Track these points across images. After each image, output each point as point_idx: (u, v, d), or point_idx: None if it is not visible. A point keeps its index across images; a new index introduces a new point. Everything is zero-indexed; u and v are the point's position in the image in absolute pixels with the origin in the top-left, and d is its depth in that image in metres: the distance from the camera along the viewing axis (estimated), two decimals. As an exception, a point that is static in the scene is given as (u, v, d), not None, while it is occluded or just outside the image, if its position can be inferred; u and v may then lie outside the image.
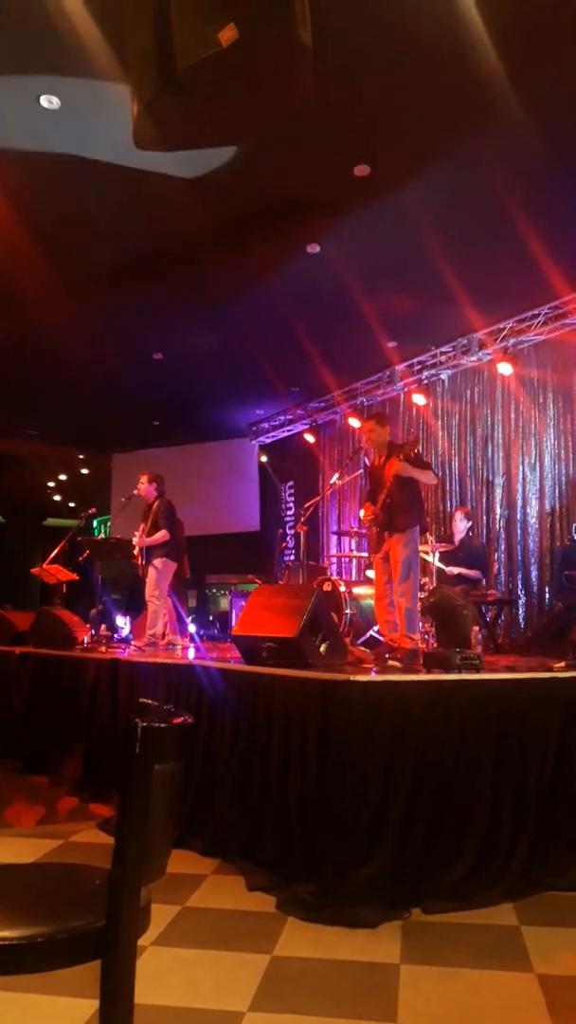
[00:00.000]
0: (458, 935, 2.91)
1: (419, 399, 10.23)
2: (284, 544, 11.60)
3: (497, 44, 4.58)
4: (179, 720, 1.50)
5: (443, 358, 9.81)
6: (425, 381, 10.26)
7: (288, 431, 12.99)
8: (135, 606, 8.87)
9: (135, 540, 6.89)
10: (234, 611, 10.62)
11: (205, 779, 3.99)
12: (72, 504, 19.17)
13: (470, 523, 7.92)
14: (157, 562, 6.80)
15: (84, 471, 16.68)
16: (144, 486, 7.05)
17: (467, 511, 8.03)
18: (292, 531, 12.09)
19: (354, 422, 10.99)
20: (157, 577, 6.80)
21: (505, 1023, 2.30)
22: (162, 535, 6.79)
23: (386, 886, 3.12)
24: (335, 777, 3.26)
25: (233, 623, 9.97)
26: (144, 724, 1.41)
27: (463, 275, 7.54)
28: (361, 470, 6.14)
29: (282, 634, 4.01)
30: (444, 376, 10.08)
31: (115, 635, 7.90)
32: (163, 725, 1.44)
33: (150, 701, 1.67)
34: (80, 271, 7.59)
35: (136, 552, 6.88)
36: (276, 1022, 2.30)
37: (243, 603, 10.02)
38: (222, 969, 2.63)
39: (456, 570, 7.34)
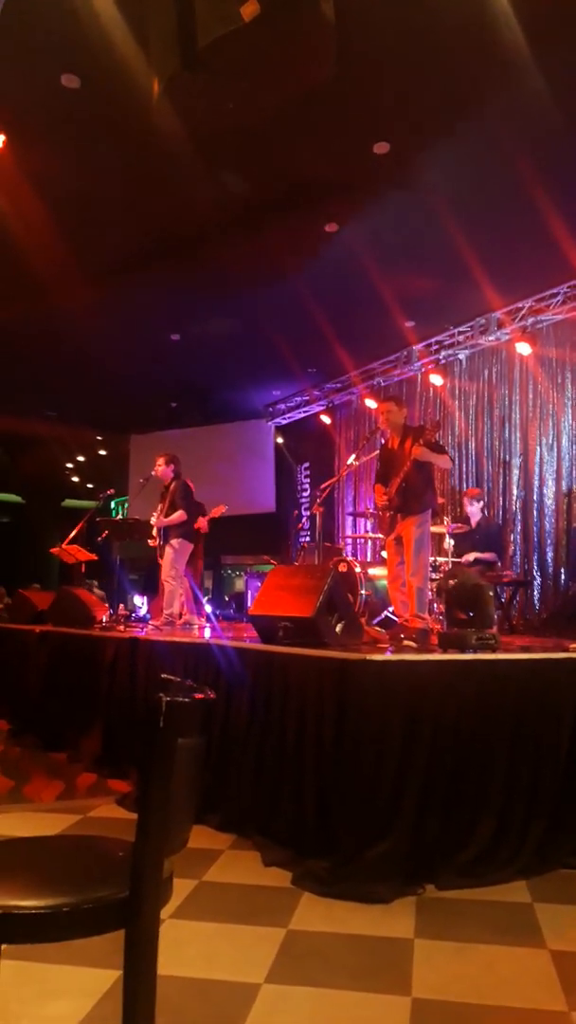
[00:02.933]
0: (472, 911, 2.93)
1: (436, 379, 10.16)
2: (300, 525, 11.61)
3: (517, 18, 4.50)
4: (201, 696, 1.51)
5: (461, 338, 9.74)
6: (443, 361, 10.19)
7: (304, 412, 12.96)
8: (152, 586, 8.92)
9: (153, 521, 6.93)
10: (250, 592, 10.64)
11: (222, 756, 4.03)
12: (90, 485, 19.24)
13: (481, 503, 7.86)
14: (174, 542, 6.83)
15: (102, 452, 16.73)
16: (161, 467, 7.08)
17: (475, 493, 7.94)
18: (308, 512, 12.10)
19: (371, 403, 10.94)
20: (174, 558, 6.84)
21: (518, 998, 2.33)
22: (179, 515, 6.82)
23: (401, 862, 3.15)
24: (351, 755, 3.28)
25: (249, 603, 10.01)
26: (169, 699, 1.43)
27: (481, 254, 7.46)
28: (377, 451, 6.12)
29: (298, 614, 4.02)
30: (462, 356, 10.01)
31: (133, 614, 7.95)
32: (186, 700, 1.46)
33: (172, 677, 1.69)
34: (98, 253, 7.58)
35: (154, 533, 6.91)
36: (292, 994, 2.34)
37: (259, 584, 10.06)
38: (239, 942, 2.67)
39: (472, 556, 7.30)
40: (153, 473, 7.21)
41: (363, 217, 6.92)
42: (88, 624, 6.17)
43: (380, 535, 6.52)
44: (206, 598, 10.80)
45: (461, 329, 9.64)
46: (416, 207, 6.67)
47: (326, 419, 12.32)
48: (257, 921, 2.83)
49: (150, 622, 6.98)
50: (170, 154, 5.83)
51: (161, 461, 7.09)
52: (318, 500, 6.75)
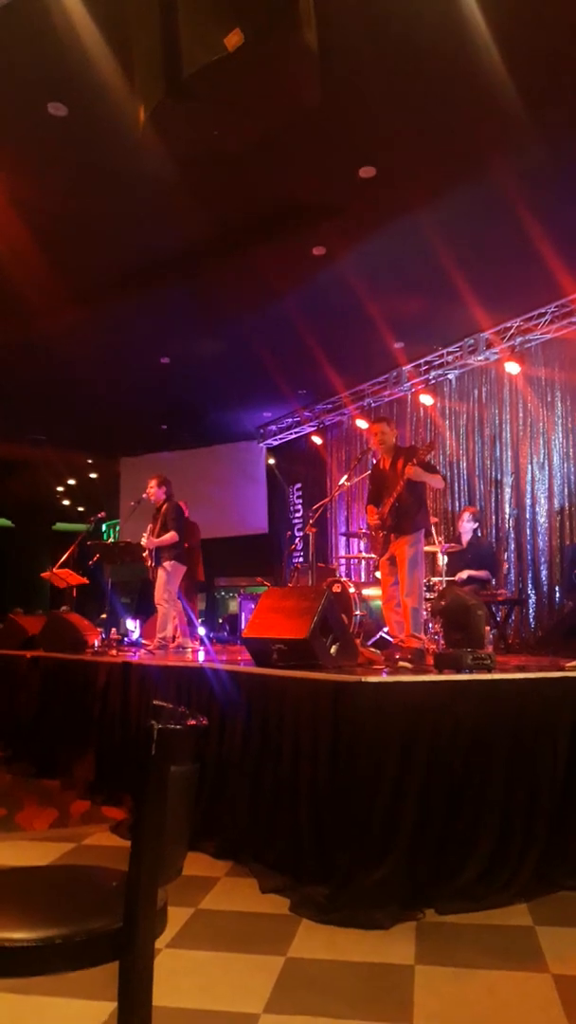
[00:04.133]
0: (472, 935, 2.90)
1: (426, 399, 10.22)
2: (293, 546, 11.60)
3: (499, 46, 4.59)
4: (193, 722, 1.51)
5: (450, 358, 9.81)
6: (432, 381, 10.26)
7: (296, 433, 13.01)
8: (145, 609, 8.88)
9: (143, 541, 6.93)
10: (243, 613, 10.64)
11: (217, 782, 4.00)
12: (81, 508, 19.23)
13: (477, 524, 7.90)
14: (167, 565, 6.82)
15: (93, 475, 16.74)
16: (153, 489, 7.09)
17: (474, 511, 7.99)
18: (301, 533, 12.10)
19: (361, 423, 10.99)
20: (167, 580, 6.82)
21: (521, 1023, 2.30)
22: (171, 536, 6.81)
23: (399, 887, 3.12)
24: (347, 779, 3.26)
25: (243, 625, 9.99)
26: (160, 726, 1.42)
27: (469, 275, 7.55)
28: (369, 472, 6.14)
29: (293, 636, 4.02)
30: (451, 376, 10.08)
31: (125, 638, 7.91)
32: (178, 727, 1.45)
33: (164, 703, 1.68)
34: (85, 277, 7.63)
35: (146, 555, 6.90)
36: None
37: (252, 605, 10.07)
38: (237, 971, 2.64)
39: (465, 575, 7.31)
40: (145, 495, 7.22)
41: (351, 240, 6.99)
42: (80, 649, 6.14)
43: (374, 555, 6.53)
44: (200, 620, 10.77)
45: (450, 349, 9.72)
46: (403, 230, 6.75)
47: (317, 440, 12.37)
48: (255, 949, 2.80)
49: (143, 646, 6.95)
50: (156, 179, 5.89)
51: (153, 483, 7.11)
52: (311, 521, 6.77)
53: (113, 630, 7.65)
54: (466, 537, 7.78)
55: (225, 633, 12.08)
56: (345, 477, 6.85)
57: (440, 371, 10.06)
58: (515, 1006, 2.39)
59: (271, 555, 13.16)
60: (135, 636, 8.26)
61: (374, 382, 10.97)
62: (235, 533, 13.32)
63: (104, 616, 8.00)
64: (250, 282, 7.77)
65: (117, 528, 15.29)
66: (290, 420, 12.86)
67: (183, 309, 8.43)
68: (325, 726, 3.42)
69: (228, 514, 13.35)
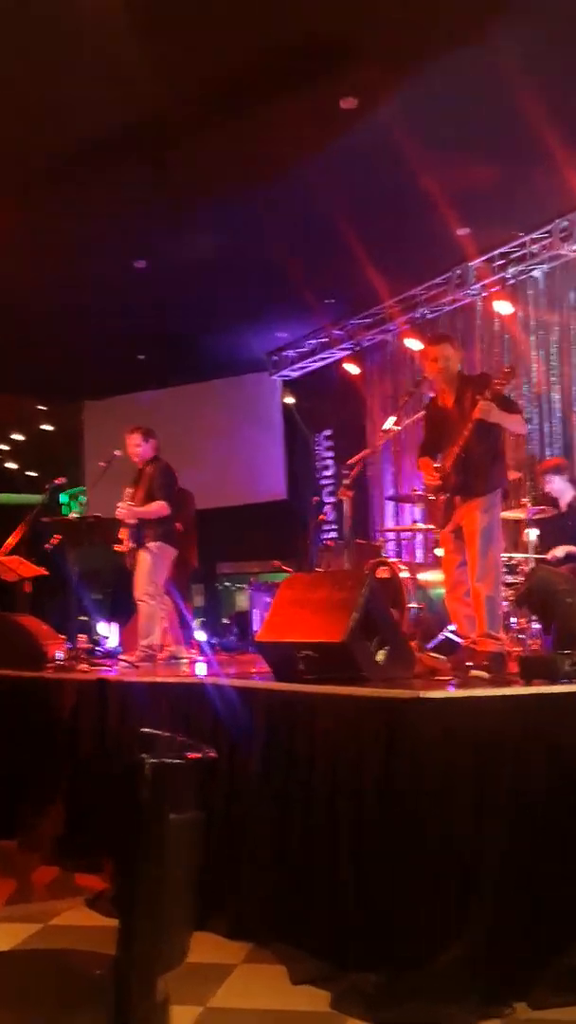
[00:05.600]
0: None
1: (503, 307, 10.14)
2: (322, 516, 11.59)
3: None
4: (196, 755, 1.55)
5: (536, 248, 9.70)
6: (511, 281, 10.16)
7: (322, 360, 12.93)
8: (123, 608, 8.96)
9: (119, 512, 6.92)
10: (256, 610, 10.68)
11: (228, 836, 4.08)
12: (32, 473, 19.27)
13: (567, 476, 7.76)
14: (152, 546, 6.85)
15: (46, 427, 16.76)
16: (137, 446, 7.07)
17: (555, 465, 7.77)
18: (332, 498, 12.09)
19: (413, 343, 10.93)
20: (152, 567, 6.87)
21: None
22: (159, 507, 6.83)
23: (479, 972, 3.17)
24: (404, 828, 3.31)
25: (256, 626, 10.03)
26: (153, 760, 1.46)
27: (566, 126, 7.38)
28: (424, 411, 6.08)
29: (325, 638, 4.06)
30: (538, 273, 9.98)
31: (98, 648, 8.00)
32: (177, 761, 1.49)
33: (157, 731, 1.73)
34: (23, 161, 7.59)
35: (123, 535, 6.94)
36: None
37: (268, 599, 10.03)
38: None
39: (562, 551, 7.25)
40: (117, 453, 7.25)
41: (392, 84, 6.89)
42: (38, 663, 6.22)
43: (432, 526, 6.53)
44: (197, 621, 10.84)
45: (536, 235, 9.59)
46: (469, 61, 6.59)
47: (352, 368, 12.29)
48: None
49: (122, 657, 7.04)
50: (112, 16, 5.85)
51: (136, 438, 7.10)
52: (346, 481, 6.75)
53: (82, 637, 7.72)
54: (564, 498, 7.71)
55: (232, 637, 12.16)
56: (392, 420, 6.81)
57: (522, 266, 9.95)
58: None
59: (292, 530, 13.15)
60: (111, 644, 8.35)
61: (429, 285, 10.86)
62: (242, 501, 13.33)
63: (70, 618, 8.08)
64: (255, 152, 7.69)
65: (82, 499, 15.36)
66: (314, 342, 12.78)
67: (165, 194, 8.36)
68: (372, 760, 3.47)
69: (232, 476, 13.37)
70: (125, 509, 6.87)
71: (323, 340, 12.65)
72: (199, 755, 1.57)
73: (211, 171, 8.02)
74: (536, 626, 6.07)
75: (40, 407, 15.71)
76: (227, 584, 15.45)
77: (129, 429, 7.22)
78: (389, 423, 6.84)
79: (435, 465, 5.30)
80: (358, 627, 4.03)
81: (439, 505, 5.31)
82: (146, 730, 1.80)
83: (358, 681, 3.91)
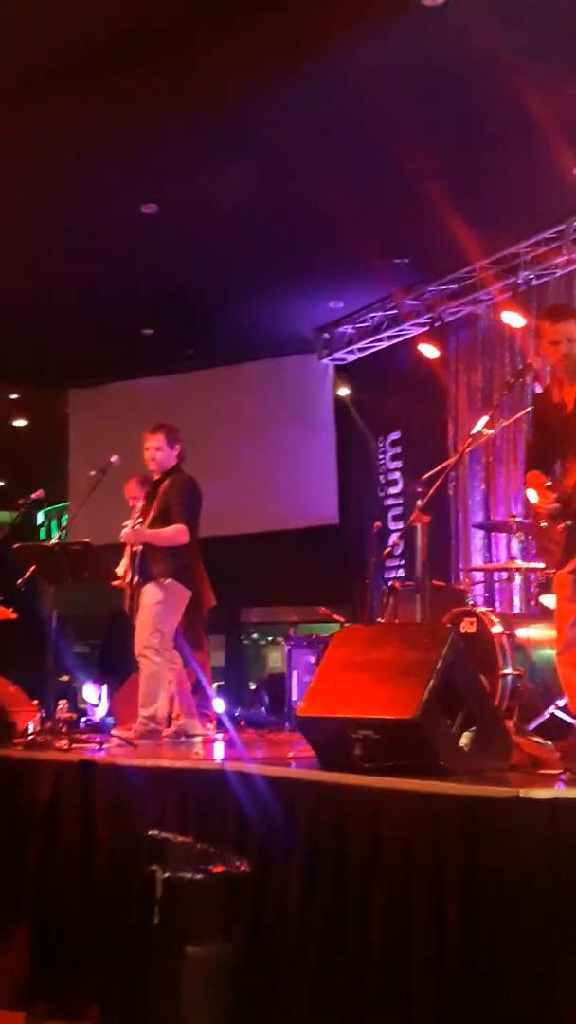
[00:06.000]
0: None
1: None
2: (388, 550, 11.54)
3: None
4: (222, 867, 1.54)
5: None
6: None
7: (390, 339, 12.98)
8: (116, 666, 8.98)
9: (124, 534, 6.93)
10: (295, 672, 10.67)
11: (260, 977, 4.05)
12: (-1, 483, 19.42)
13: None
14: (162, 584, 6.89)
15: (18, 423, 16.89)
16: (159, 450, 7.15)
17: None
18: (400, 525, 12.07)
19: (513, 318, 10.93)
20: (160, 612, 6.90)
21: None
22: (175, 531, 6.90)
23: None
24: (498, 967, 3.29)
25: (295, 695, 10.01)
26: (167, 874, 1.45)
27: None
28: (530, 409, 6.02)
29: (390, 714, 4.06)
30: None
31: (83, 718, 8.02)
32: (198, 876, 1.48)
33: (168, 835, 1.73)
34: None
35: (124, 567, 6.96)
36: None
37: (312, 658, 10.02)
38: None
39: None
40: (114, 460, 7.36)
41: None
42: (1, 737, 6.25)
43: (541, 565, 6.48)
44: (215, 686, 10.83)
45: None
46: None
47: (430, 350, 12.30)
48: None
49: (114, 732, 7.05)
50: None
51: (158, 439, 7.19)
52: (419, 502, 6.75)
53: (62, 703, 7.76)
54: None
55: (262, 708, 12.18)
56: (484, 420, 6.82)
57: None
58: None
59: (345, 566, 13.17)
60: (100, 714, 8.38)
61: (535, 241, 10.85)
62: (278, 527, 13.36)
63: (46, 678, 8.12)
64: (302, 54, 7.69)
65: (64, 518, 15.44)
66: (379, 315, 12.82)
67: (181, 116, 8.42)
68: (452, 880, 3.45)
69: (265, 492, 13.39)
70: (131, 531, 6.89)
71: (391, 313, 12.70)
72: (226, 868, 1.56)
73: (243, 82, 8.05)
74: None
75: (10, 395, 15.80)
76: (255, 637, 15.48)
77: (151, 428, 7.31)
78: (480, 425, 6.84)
79: (548, 482, 5.25)
80: (435, 700, 4.02)
81: (554, 537, 5.24)
82: (155, 833, 1.80)
83: (435, 773, 3.90)
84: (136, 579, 6.95)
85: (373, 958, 3.68)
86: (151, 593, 6.91)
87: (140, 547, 6.94)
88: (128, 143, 8.85)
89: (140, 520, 6.98)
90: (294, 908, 4.00)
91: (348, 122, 8.51)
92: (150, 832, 1.82)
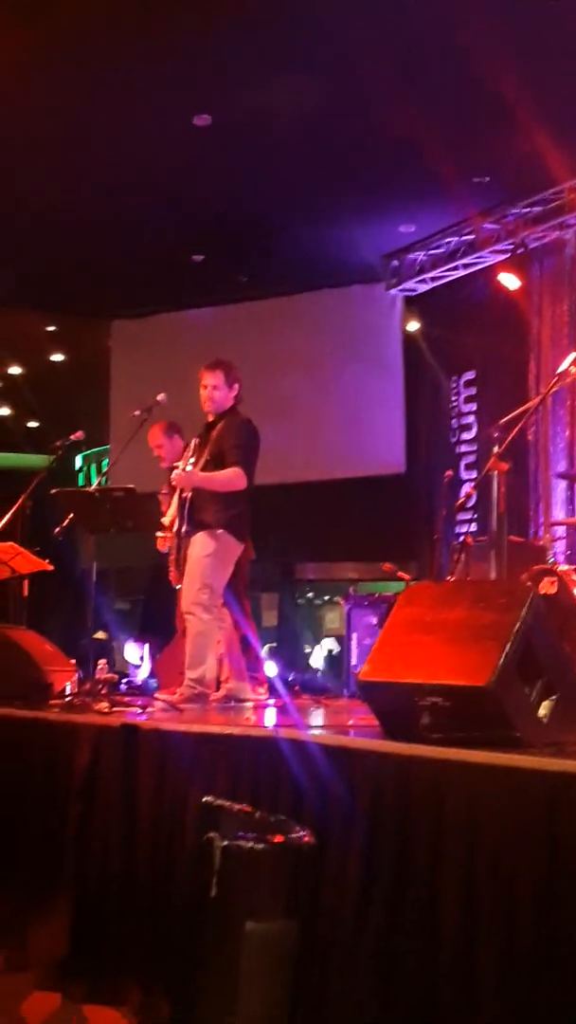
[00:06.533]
0: None
1: None
2: (460, 501, 11.51)
3: None
4: (282, 837, 1.51)
5: None
6: None
7: (466, 267, 12.93)
8: (160, 624, 9.02)
9: (176, 475, 6.94)
10: (356, 634, 10.69)
11: (316, 958, 4.05)
12: (33, 424, 19.51)
13: None
14: (213, 534, 6.88)
15: (56, 357, 16.93)
16: (216, 389, 7.17)
17: None
18: (475, 473, 12.03)
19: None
20: (210, 566, 6.92)
21: None
22: (231, 475, 6.91)
23: None
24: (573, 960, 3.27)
25: (356, 659, 10.03)
26: (226, 842, 1.43)
27: None
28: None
29: (462, 680, 4.04)
30: None
31: (124, 679, 8.06)
32: (259, 846, 1.46)
33: (223, 801, 1.70)
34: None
35: (172, 515, 6.97)
36: None
37: (374, 619, 10.02)
38: None
39: None
40: (161, 398, 7.33)
41: None
42: (38, 699, 6.30)
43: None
44: (267, 648, 10.87)
45: None
46: None
47: (512, 280, 12.23)
48: None
49: (158, 696, 7.08)
50: None
51: (217, 377, 7.21)
52: (497, 448, 6.71)
53: (101, 663, 7.80)
54: None
55: (319, 673, 12.23)
56: (572, 358, 6.77)
57: None
58: None
59: (412, 518, 13.15)
60: (143, 675, 8.42)
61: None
62: (338, 474, 13.36)
63: (84, 636, 8.17)
64: None
65: (105, 463, 15.50)
66: (454, 240, 12.77)
67: (234, 14, 8.35)
68: (529, 859, 3.42)
69: (324, 436, 13.40)
70: (182, 474, 6.88)
71: (468, 238, 12.64)
72: (285, 838, 1.53)
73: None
74: None
75: (48, 327, 15.83)
76: (311, 595, 15.51)
77: (209, 363, 7.32)
78: (567, 363, 6.80)
79: None
80: (512, 666, 3.98)
81: None
82: (210, 800, 1.77)
83: (510, 744, 3.86)
84: (185, 528, 6.94)
85: (439, 947, 3.67)
86: (201, 544, 6.91)
87: (190, 493, 6.92)
88: (178, 46, 8.80)
89: (193, 461, 6.96)
90: (354, 888, 3.99)
91: (421, 24, 8.41)
92: (205, 799, 1.80)
